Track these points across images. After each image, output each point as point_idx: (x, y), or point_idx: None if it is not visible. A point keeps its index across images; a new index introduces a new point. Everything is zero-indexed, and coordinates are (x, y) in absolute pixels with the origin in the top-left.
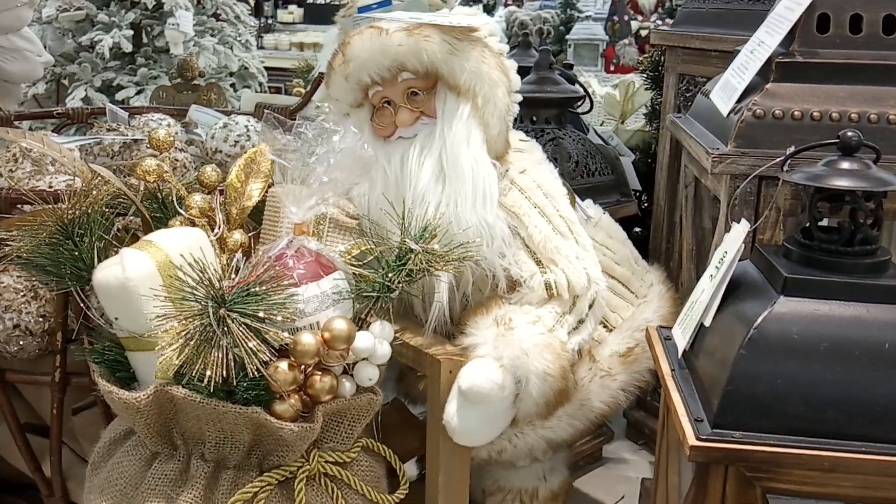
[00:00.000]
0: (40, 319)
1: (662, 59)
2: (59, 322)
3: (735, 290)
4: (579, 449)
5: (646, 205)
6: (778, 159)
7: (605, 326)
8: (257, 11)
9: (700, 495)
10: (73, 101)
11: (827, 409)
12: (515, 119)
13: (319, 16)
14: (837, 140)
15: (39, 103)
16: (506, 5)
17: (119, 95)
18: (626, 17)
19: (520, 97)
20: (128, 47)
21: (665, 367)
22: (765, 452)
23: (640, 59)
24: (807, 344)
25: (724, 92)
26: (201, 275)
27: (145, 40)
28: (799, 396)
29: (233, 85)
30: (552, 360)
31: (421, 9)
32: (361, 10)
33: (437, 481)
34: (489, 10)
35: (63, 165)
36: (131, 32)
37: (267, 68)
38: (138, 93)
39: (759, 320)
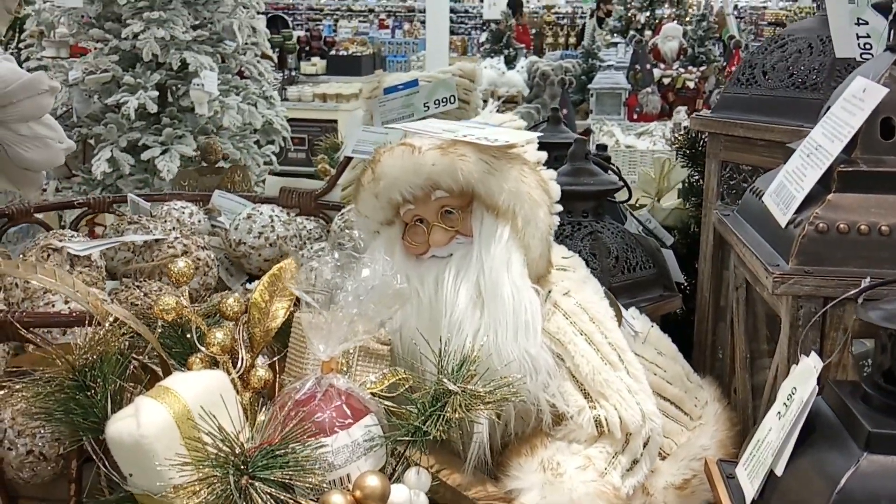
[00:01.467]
0: (55, 443)
1: (700, 137)
2: (75, 447)
3: (809, 433)
4: None
5: (687, 289)
6: (852, 292)
7: (660, 455)
8: (281, 64)
9: None
10: (100, 161)
11: None
12: None
13: (342, 67)
14: None
15: (66, 164)
16: (526, 56)
17: (144, 155)
18: (647, 66)
19: (559, 207)
20: (153, 108)
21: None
22: None
23: (677, 136)
24: None
25: (780, 198)
26: (221, 435)
27: (170, 100)
28: None
29: (257, 142)
30: None
31: (449, 90)
32: (388, 91)
33: None
34: (510, 61)
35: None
36: (157, 93)
37: (291, 119)
38: (163, 152)
39: (843, 481)
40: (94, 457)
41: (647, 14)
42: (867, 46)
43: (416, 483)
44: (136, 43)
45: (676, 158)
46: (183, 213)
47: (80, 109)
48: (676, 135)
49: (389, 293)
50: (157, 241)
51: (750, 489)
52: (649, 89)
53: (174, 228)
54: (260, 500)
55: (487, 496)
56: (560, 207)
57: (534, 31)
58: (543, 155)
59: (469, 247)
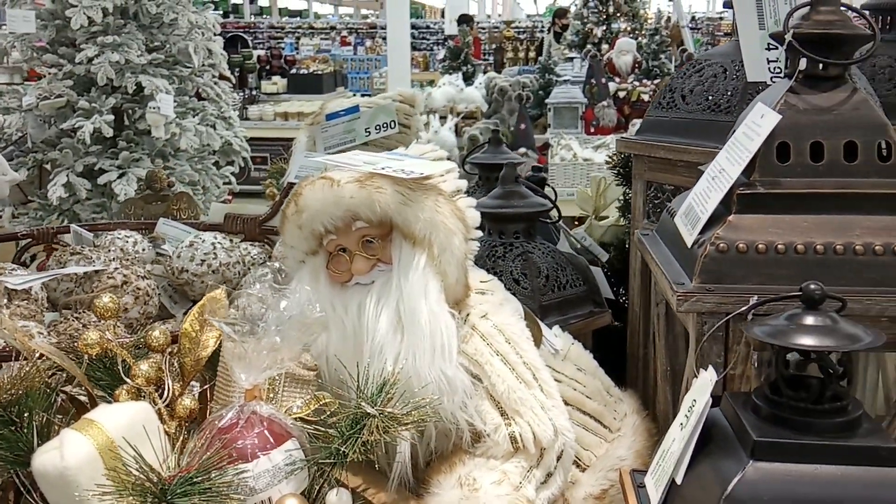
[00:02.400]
0: None
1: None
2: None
3: (706, 443)
4: None
5: (623, 303)
6: (742, 308)
7: (577, 465)
8: (241, 83)
9: None
10: (55, 186)
11: None
12: (484, 231)
13: (303, 85)
14: (801, 293)
15: (22, 189)
16: (485, 72)
17: (101, 179)
18: (603, 80)
19: (478, 233)
20: (109, 132)
21: None
22: None
23: (610, 156)
24: None
25: (688, 219)
26: (141, 462)
27: (127, 124)
28: None
29: (216, 163)
30: None
31: (389, 116)
32: (330, 117)
33: None
34: (468, 77)
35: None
36: (112, 117)
37: (252, 139)
38: (120, 176)
39: (730, 488)
40: (23, 489)
41: (604, 28)
42: (777, 70)
43: (340, 501)
44: (91, 67)
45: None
46: (126, 241)
47: (35, 135)
48: (610, 155)
49: (308, 322)
50: (96, 272)
51: (655, 496)
52: (605, 103)
53: (117, 258)
54: None
55: None
56: (478, 234)
57: (493, 46)
58: (463, 184)
59: (389, 274)
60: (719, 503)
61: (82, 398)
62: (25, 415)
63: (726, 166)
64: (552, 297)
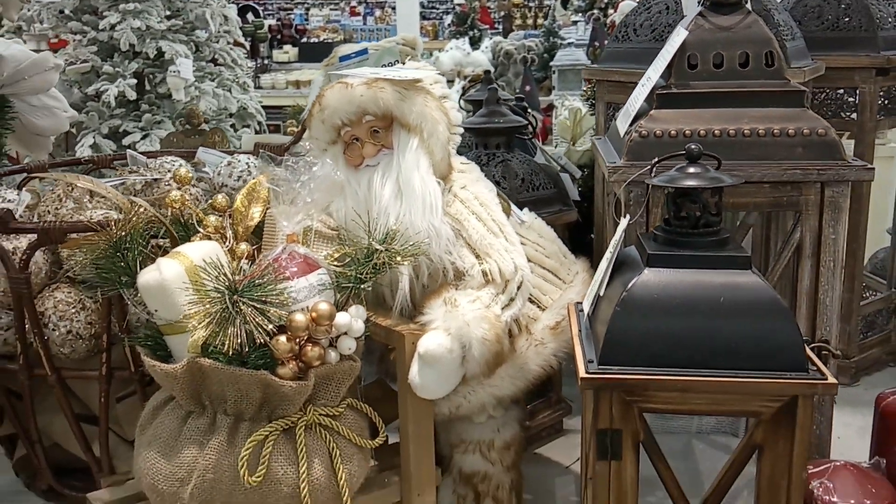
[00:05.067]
0: (88, 325)
1: None
2: (104, 326)
3: (621, 267)
4: (541, 421)
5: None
6: (646, 167)
7: (538, 307)
8: (253, 53)
9: (596, 418)
10: (83, 147)
11: (679, 347)
12: (469, 146)
13: (313, 54)
14: (684, 152)
15: (51, 152)
16: (491, 36)
17: (125, 141)
18: (606, 42)
19: (460, 129)
20: (132, 95)
21: (575, 330)
22: (636, 380)
23: (585, 88)
24: (663, 301)
25: (623, 117)
26: (218, 271)
27: (148, 88)
28: (659, 339)
29: (233, 125)
30: (488, 328)
31: (393, 56)
32: (343, 58)
33: (408, 430)
34: (475, 41)
35: (105, 200)
36: (135, 81)
37: (265, 107)
38: (143, 137)
39: (630, 286)
40: (129, 301)
41: None
42: None
43: (356, 313)
44: (114, 34)
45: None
46: (173, 165)
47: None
48: (585, 87)
49: (331, 183)
50: (155, 180)
51: (587, 310)
52: None
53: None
54: (246, 313)
55: (408, 329)
56: (460, 129)
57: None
58: (448, 91)
59: (391, 156)
60: (622, 297)
61: (167, 249)
62: (129, 250)
63: (651, 74)
64: (527, 196)
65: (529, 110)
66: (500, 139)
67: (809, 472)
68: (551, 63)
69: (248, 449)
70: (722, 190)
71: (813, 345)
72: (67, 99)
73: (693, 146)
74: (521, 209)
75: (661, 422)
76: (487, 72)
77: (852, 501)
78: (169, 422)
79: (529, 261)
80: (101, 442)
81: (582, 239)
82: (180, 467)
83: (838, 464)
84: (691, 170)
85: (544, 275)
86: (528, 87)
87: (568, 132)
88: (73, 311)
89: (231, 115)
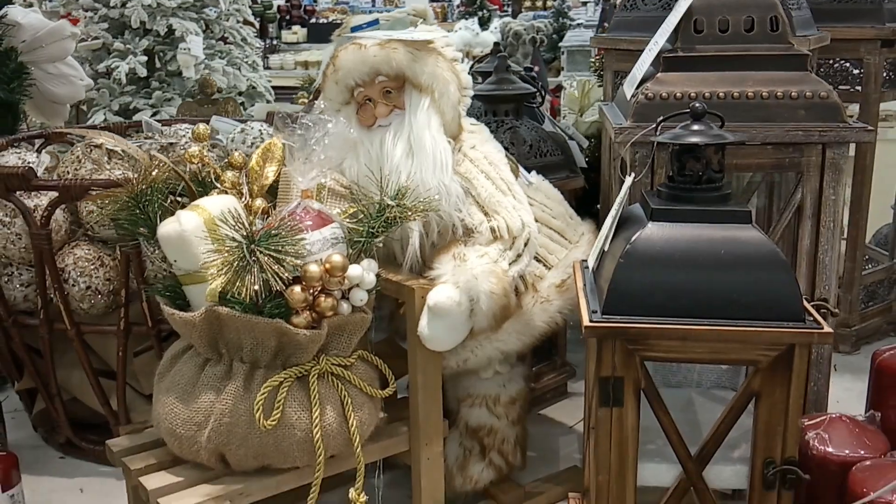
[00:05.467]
0: (106, 281)
1: None
2: (122, 282)
3: (625, 223)
4: (545, 384)
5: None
6: (651, 126)
7: (545, 266)
8: (262, 33)
9: (599, 365)
10: (93, 124)
11: (681, 297)
12: (479, 114)
13: (322, 35)
14: (689, 110)
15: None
16: (500, 17)
17: (136, 118)
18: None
19: (470, 91)
20: (142, 72)
21: (580, 284)
22: (638, 328)
23: (593, 59)
24: (666, 253)
25: (630, 82)
26: (236, 222)
27: (158, 65)
28: (661, 290)
29: (242, 104)
30: (496, 282)
31: (403, 26)
32: (354, 29)
33: (417, 381)
34: (484, 22)
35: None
36: (145, 58)
37: (274, 87)
38: (153, 115)
39: (633, 238)
40: (146, 253)
41: None
42: None
43: (368, 266)
44: (125, 11)
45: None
46: (188, 132)
47: None
48: (593, 58)
49: (344, 140)
50: (171, 144)
51: (592, 264)
52: None
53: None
54: (263, 262)
55: (418, 284)
56: (470, 91)
57: None
58: (458, 54)
59: (403, 117)
60: (625, 250)
61: (185, 204)
62: (149, 203)
63: (658, 39)
64: (534, 162)
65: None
66: (508, 106)
67: (806, 423)
68: (560, 44)
69: (264, 394)
70: (724, 147)
71: (812, 303)
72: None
73: (697, 104)
74: (529, 172)
75: (662, 376)
76: (497, 44)
77: (847, 451)
78: (187, 369)
79: (536, 221)
80: (118, 395)
81: (588, 209)
82: (198, 412)
83: (834, 416)
84: (695, 127)
85: (550, 235)
86: (536, 68)
87: (576, 103)
88: (93, 267)
89: (241, 94)
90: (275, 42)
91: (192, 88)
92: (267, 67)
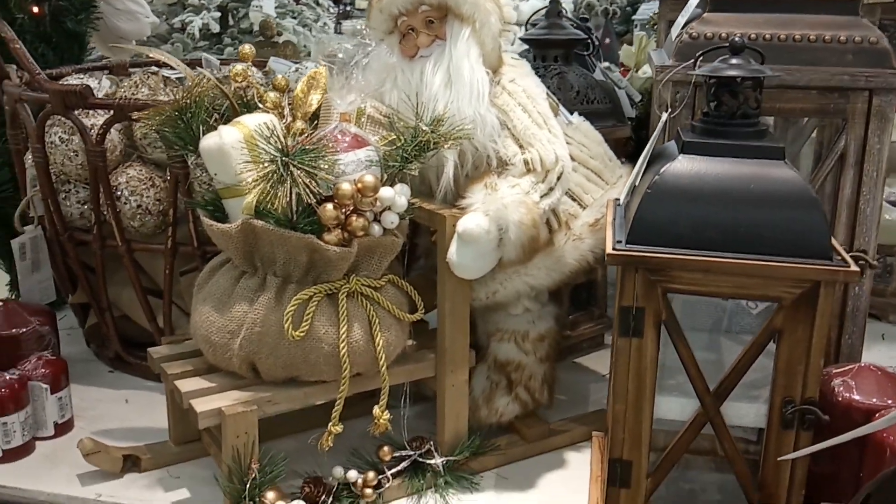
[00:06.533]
0: (156, 202)
1: None
2: (170, 202)
3: (657, 159)
4: (582, 332)
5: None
6: (689, 63)
7: (580, 205)
8: None
9: (623, 293)
10: None
11: (706, 230)
12: (529, 59)
13: None
14: (728, 44)
15: None
16: None
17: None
18: None
19: (514, 26)
20: (215, 28)
21: (609, 218)
22: (660, 258)
23: (652, 15)
24: (694, 186)
25: (677, 24)
26: (272, 137)
27: (231, 22)
28: (686, 222)
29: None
30: (525, 213)
31: None
32: None
33: (445, 309)
34: None
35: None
36: (219, 14)
37: None
38: None
39: (663, 170)
40: (193, 166)
41: None
42: None
43: (400, 190)
44: None
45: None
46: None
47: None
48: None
49: (384, 66)
50: (225, 76)
51: (622, 199)
52: None
53: None
54: (297, 175)
55: (450, 212)
56: (514, 26)
57: None
58: None
59: (444, 47)
60: (654, 180)
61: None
62: (193, 117)
63: None
64: (581, 108)
65: (608, 64)
66: (558, 52)
67: (833, 371)
68: (633, 17)
69: (294, 306)
70: (762, 84)
71: (851, 254)
72: (153, 30)
73: (737, 39)
74: (572, 114)
75: (691, 319)
76: (554, 1)
77: (874, 399)
78: (223, 281)
79: (574, 160)
80: (164, 312)
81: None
82: (231, 321)
83: (863, 365)
84: (734, 61)
85: (587, 174)
86: (608, 40)
87: (632, 59)
88: (144, 187)
89: (309, 55)
90: (348, 8)
91: (240, 26)
92: (339, 32)
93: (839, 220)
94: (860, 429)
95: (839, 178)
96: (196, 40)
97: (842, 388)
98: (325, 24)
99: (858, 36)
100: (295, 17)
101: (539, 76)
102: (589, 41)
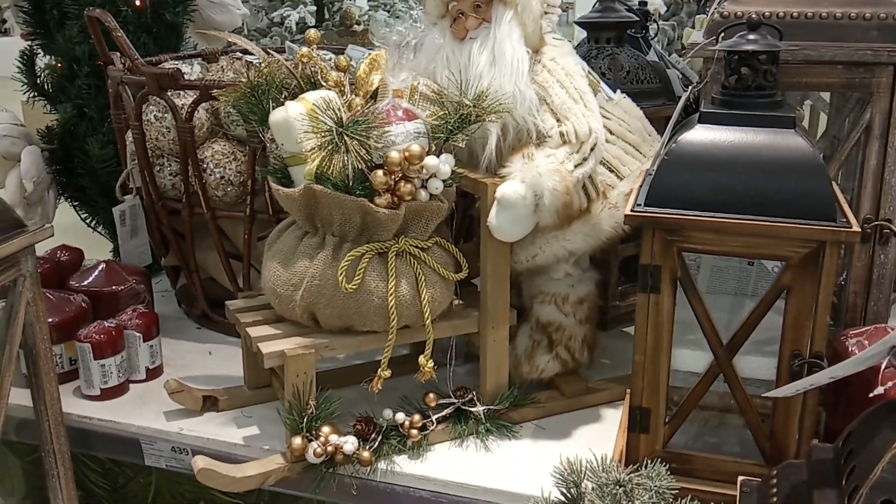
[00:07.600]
0: (238, 174)
1: None
2: (249, 174)
3: (681, 129)
4: (631, 303)
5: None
6: (712, 39)
7: (618, 176)
8: None
9: (642, 252)
10: None
11: (719, 194)
12: (582, 42)
13: None
14: (746, 21)
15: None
16: None
17: None
18: None
19: (556, 9)
20: (311, 21)
21: (637, 185)
22: (674, 219)
23: None
24: (709, 152)
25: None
26: (329, 110)
27: (327, 16)
28: (700, 186)
29: None
30: (559, 180)
31: None
32: None
33: (487, 270)
34: None
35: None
36: (314, 8)
37: None
38: None
39: (681, 138)
40: (263, 137)
41: None
42: None
43: (445, 159)
44: None
45: None
46: (324, 58)
47: (250, 23)
48: None
49: (435, 47)
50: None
51: (652, 171)
52: None
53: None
54: (350, 145)
55: (491, 180)
56: (557, 10)
57: None
58: None
59: (489, 29)
60: (669, 149)
61: None
62: (264, 94)
63: None
64: (630, 88)
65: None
66: (610, 34)
67: (851, 332)
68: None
69: (348, 261)
70: (777, 58)
71: (875, 223)
72: (253, 24)
73: (755, 16)
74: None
75: (720, 281)
76: None
77: (888, 358)
78: (289, 240)
79: (613, 133)
80: (243, 273)
81: None
82: (294, 275)
83: (880, 326)
84: (751, 37)
85: (626, 147)
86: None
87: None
88: (227, 160)
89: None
90: None
91: (335, 20)
92: None
93: (865, 190)
94: (836, 366)
95: (865, 150)
96: (293, 33)
97: (856, 348)
98: (417, 16)
99: (883, 13)
100: (388, 10)
101: (591, 57)
102: (643, 23)
